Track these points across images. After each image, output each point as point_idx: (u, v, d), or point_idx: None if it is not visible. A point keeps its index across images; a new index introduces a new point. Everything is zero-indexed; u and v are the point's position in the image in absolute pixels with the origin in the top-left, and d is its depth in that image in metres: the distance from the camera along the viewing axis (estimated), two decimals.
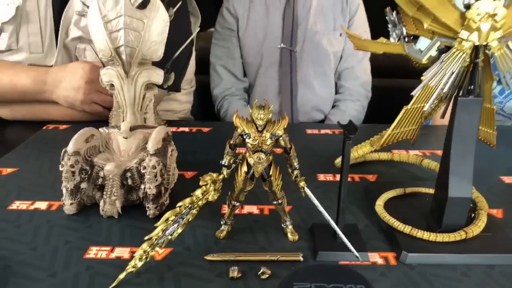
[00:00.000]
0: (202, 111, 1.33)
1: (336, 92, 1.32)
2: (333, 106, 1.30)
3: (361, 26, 1.27)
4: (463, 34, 0.46)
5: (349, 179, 0.69)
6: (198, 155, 0.77)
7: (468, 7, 0.45)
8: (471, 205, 0.55)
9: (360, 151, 0.67)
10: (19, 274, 0.47)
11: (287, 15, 1.21)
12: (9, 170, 0.70)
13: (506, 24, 0.46)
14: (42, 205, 0.60)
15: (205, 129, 0.90)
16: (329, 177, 0.70)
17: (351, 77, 1.28)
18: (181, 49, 0.68)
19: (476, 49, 0.47)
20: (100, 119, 0.85)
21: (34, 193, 0.63)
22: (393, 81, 1.55)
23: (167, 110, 1.11)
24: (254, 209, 0.60)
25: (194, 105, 1.26)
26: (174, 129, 0.89)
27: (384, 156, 0.75)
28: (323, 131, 0.90)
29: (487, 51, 0.48)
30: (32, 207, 0.60)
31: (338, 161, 0.72)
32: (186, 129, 0.90)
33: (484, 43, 0.46)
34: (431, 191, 0.60)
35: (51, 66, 0.91)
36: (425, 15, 0.47)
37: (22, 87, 0.87)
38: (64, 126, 0.90)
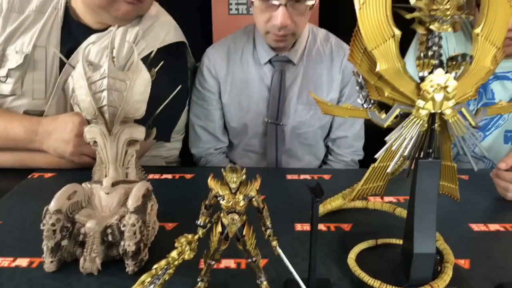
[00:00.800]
0: (184, 151, 1.32)
1: (329, 153, 1.27)
2: (325, 163, 1.26)
3: (355, 94, 1.19)
4: (420, 103, 0.50)
5: (325, 228, 0.72)
6: (179, 205, 0.79)
7: (422, 79, 0.50)
8: (438, 257, 0.58)
9: (333, 204, 0.70)
10: None
11: (274, 87, 1.13)
12: None
13: (458, 94, 0.50)
14: (23, 262, 0.61)
15: (188, 176, 0.92)
16: (306, 227, 0.72)
17: (344, 146, 1.24)
18: (163, 105, 0.72)
19: (432, 116, 0.51)
20: (87, 167, 0.88)
21: (16, 249, 0.64)
22: None
23: (154, 155, 1.13)
24: (231, 263, 0.62)
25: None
26: (157, 176, 0.91)
27: (359, 204, 0.77)
28: (302, 177, 0.93)
29: (443, 116, 0.52)
30: (13, 264, 0.61)
31: (322, 211, 0.75)
32: (169, 176, 0.92)
33: (439, 111, 0.50)
34: (401, 241, 0.62)
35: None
36: (385, 84, 0.51)
37: (14, 135, 0.90)
38: (50, 175, 0.91)
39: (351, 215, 0.76)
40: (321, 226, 0.72)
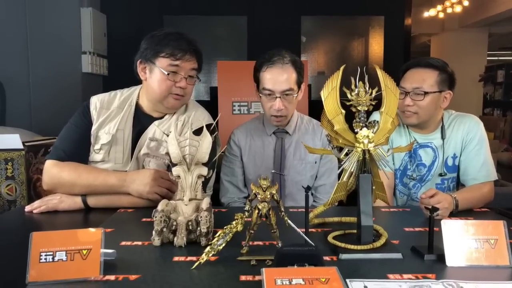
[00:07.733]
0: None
1: (314, 200, 1.75)
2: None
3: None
4: (357, 144, 1.00)
5: (315, 231, 1.16)
6: (220, 221, 1.23)
7: (356, 133, 1.00)
8: (377, 234, 1.02)
9: (319, 209, 1.16)
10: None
11: (277, 149, 1.70)
12: (108, 230, 1.15)
13: (375, 140, 1.00)
14: (138, 243, 1.05)
15: (223, 210, 1.38)
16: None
17: (323, 192, 1.73)
18: (215, 158, 1.21)
19: (364, 151, 1.00)
20: (154, 206, 1.32)
21: (131, 237, 1.08)
22: None
23: None
24: (260, 243, 1.05)
25: None
26: None
27: (337, 219, 1.23)
28: (300, 210, 1.38)
29: (370, 151, 1.01)
30: (133, 244, 1.04)
31: (312, 216, 1.19)
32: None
33: (367, 148, 1.00)
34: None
35: (126, 170, 1.42)
36: (339, 136, 1.02)
37: (111, 183, 1.36)
38: (130, 210, 1.36)
39: (331, 225, 1.21)
40: (313, 230, 1.16)
